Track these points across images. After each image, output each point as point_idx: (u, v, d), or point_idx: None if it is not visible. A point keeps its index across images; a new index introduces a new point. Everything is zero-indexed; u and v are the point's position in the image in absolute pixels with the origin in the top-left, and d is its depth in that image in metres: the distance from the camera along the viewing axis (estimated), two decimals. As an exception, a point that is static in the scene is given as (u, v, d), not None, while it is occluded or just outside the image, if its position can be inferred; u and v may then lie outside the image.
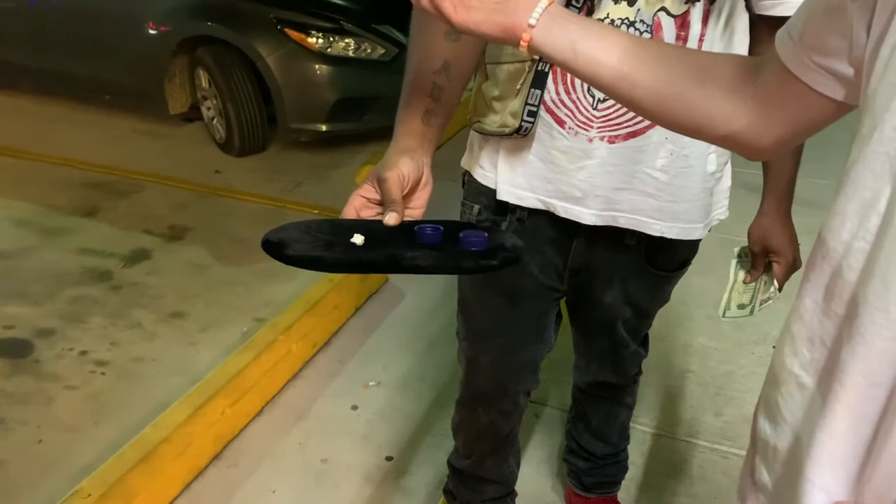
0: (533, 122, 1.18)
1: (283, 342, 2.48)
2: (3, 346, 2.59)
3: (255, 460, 2.17)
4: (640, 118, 1.15)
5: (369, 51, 4.07)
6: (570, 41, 0.77)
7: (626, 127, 1.17)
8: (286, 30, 4.03)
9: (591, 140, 1.19)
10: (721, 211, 1.38)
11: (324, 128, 4.09)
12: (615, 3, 1.09)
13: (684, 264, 1.43)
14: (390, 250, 0.88)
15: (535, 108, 1.17)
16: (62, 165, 4.08)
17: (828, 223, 0.63)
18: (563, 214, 1.27)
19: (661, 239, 1.28)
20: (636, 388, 1.82)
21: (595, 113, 1.17)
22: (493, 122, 1.22)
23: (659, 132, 1.17)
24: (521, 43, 0.77)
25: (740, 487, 0.79)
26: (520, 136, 1.20)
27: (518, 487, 1.84)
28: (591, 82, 0.80)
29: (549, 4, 0.77)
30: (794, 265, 1.43)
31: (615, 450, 1.89)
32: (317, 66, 4.04)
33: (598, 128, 1.17)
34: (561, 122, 1.19)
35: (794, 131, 0.75)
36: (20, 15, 4.66)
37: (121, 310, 2.82)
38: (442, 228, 0.92)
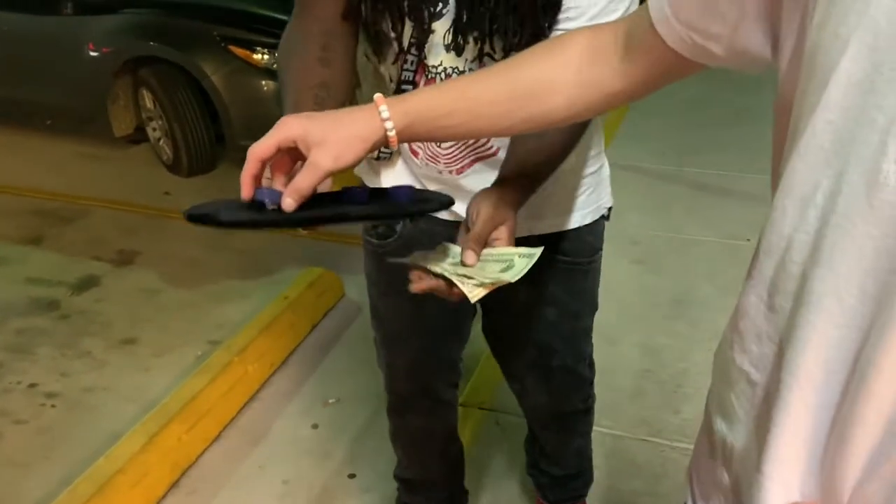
0: (390, 152, 1.28)
1: (239, 364, 2.44)
2: (-53, 384, 2.50)
3: (214, 486, 2.13)
4: (481, 148, 1.23)
5: (316, 65, 4.05)
6: (435, 117, 0.84)
7: (471, 156, 1.24)
8: (230, 47, 3.98)
9: (440, 172, 1.26)
10: (608, 198, 1.42)
11: (273, 144, 4.05)
12: (447, 52, 1.14)
13: (594, 252, 1.43)
14: (326, 209, 0.87)
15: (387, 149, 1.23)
16: (4, 193, 3.98)
17: (769, 220, 0.64)
18: (444, 217, 1.31)
19: None
20: (589, 418, 1.75)
21: (440, 150, 1.24)
22: None
23: (504, 151, 1.18)
24: (391, 142, 0.84)
25: (699, 486, 0.79)
26: (381, 161, 1.29)
27: (485, 496, 1.84)
28: (473, 130, 0.88)
29: (382, 104, 0.82)
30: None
31: (576, 470, 1.85)
32: (263, 82, 4.00)
33: (445, 163, 1.25)
34: (414, 153, 1.28)
35: (663, 81, 0.82)
36: (-47, 41, 4.54)
37: (70, 339, 2.76)
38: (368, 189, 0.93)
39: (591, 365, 1.63)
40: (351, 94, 1.19)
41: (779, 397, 0.62)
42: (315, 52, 1.13)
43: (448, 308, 1.45)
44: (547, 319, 1.46)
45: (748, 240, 3.34)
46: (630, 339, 2.75)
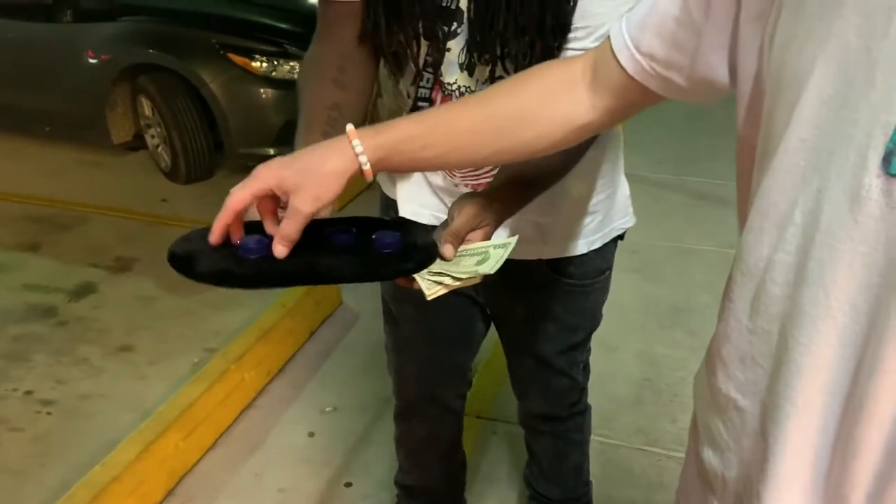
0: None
1: (236, 371, 2.44)
2: (-57, 390, 2.49)
3: (210, 494, 2.12)
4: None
5: (314, 73, 4.06)
6: (410, 151, 0.85)
7: (487, 176, 1.24)
8: (229, 55, 3.99)
9: (457, 185, 1.27)
10: (624, 221, 1.40)
11: (271, 151, 4.04)
12: (461, 71, 1.14)
13: (599, 274, 1.43)
14: (303, 257, 0.86)
15: None
16: (2, 199, 3.97)
17: (744, 241, 0.63)
18: None
19: None
20: (584, 424, 1.74)
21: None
22: None
23: None
24: (366, 175, 0.85)
25: None
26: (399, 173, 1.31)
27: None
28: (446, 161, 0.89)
29: (354, 138, 0.83)
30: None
31: (574, 495, 1.82)
32: (262, 90, 4.01)
33: (461, 177, 1.26)
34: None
35: (630, 111, 0.83)
36: (-46, 48, 4.54)
37: (67, 346, 2.75)
38: (354, 230, 0.92)
39: (586, 369, 1.63)
40: (364, 115, 1.20)
41: (775, 423, 0.60)
42: (332, 73, 1.14)
43: (456, 317, 1.46)
44: (545, 332, 1.47)
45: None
46: (628, 348, 2.74)
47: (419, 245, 0.93)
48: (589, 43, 1.04)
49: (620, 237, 1.42)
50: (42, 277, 3.22)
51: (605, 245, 1.38)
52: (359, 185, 4.22)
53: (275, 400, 2.52)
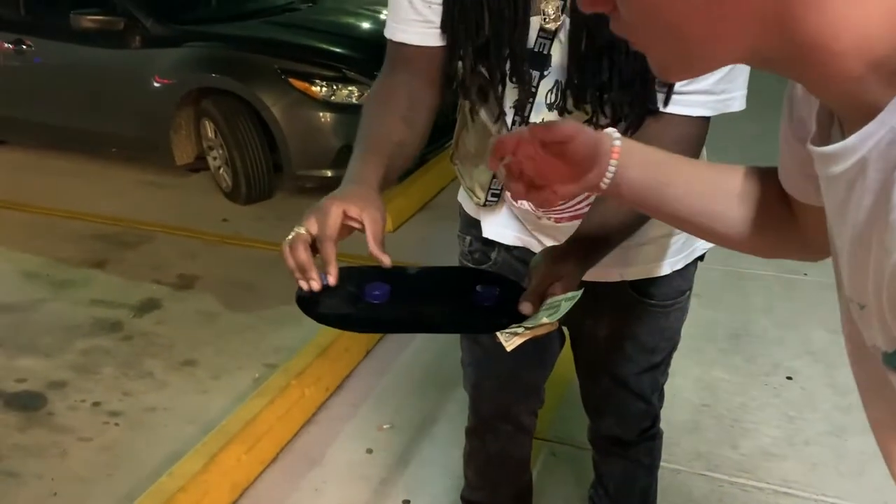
0: (498, 198, 1.33)
1: (296, 387, 2.48)
2: (17, 400, 2.59)
3: (271, 507, 2.16)
4: (581, 205, 1.25)
5: (372, 97, 4.13)
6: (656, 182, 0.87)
7: (570, 211, 1.27)
8: (290, 79, 4.09)
9: (539, 217, 1.31)
10: (703, 244, 1.41)
11: (329, 173, 4.12)
12: (549, 111, 1.17)
13: (679, 294, 1.43)
14: (413, 307, 0.99)
15: (497, 191, 1.31)
16: (70, 218, 4.12)
17: None
18: (538, 250, 1.34)
19: None
20: (654, 450, 1.73)
21: None
22: (465, 184, 1.38)
23: None
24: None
25: None
26: (488, 206, 1.34)
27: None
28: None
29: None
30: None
31: None
32: (321, 114, 4.09)
33: (544, 211, 1.29)
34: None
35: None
36: (26, 72, 4.74)
37: (132, 360, 2.83)
38: (492, 291, 1.02)
39: (662, 396, 1.62)
40: (423, 144, 1.24)
41: None
42: (401, 110, 1.18)
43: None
44: (624, 353, 1.48)
45: (805, 274, 3.29)
46: (687, 373, 2.71)
47: (512, 301, 1.01)
48: (707, 85, 1.06)
49: (701, 258, 1.43)
50: (108, 293, 3.33)
51: (687, 266, 1.39)
52: (416, 204, 4.26)
53: (333, 416, 2.55)
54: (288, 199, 4.41)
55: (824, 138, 0.57)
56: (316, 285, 0.96)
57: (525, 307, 0.99)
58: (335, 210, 0.98)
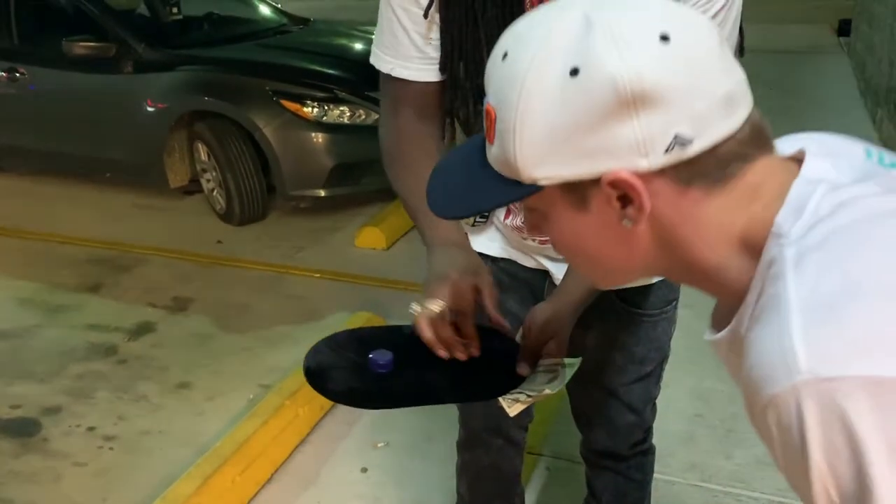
0: (486, 219, 1.37)
1: (290, 407, 2.48)
2: (11, 426, 2.59)
3: (266, 528, 2.16)
4: None
5: (364, 117, 4.16)
6: None
7: None
8: (282, 101, 4.12)
9: (524, 238, 1.33)
10: None
11: (322, 193, 4.15)
12: None
13: (666, 304, 1.44)
14: (418, 376, 1.04)
15: (485, 213, 1.35)
16: (64, 243, 4.13)
17: None
18: (524, 263, 1.39)
19: None
20: (646, 465, 1.73)
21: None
22: None
23: None
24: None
25: None
26: (477, 226, 1.38)
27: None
28: None
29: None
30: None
31: None
32: (313, 135, 4.12)
33: (528, 233, 1.30)
34: (506, 213, 1.34)
35: None
36: (21, 99, 4.77)
37: (127, 383, 2.83)
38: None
39: (654, 409, 1.62)
40: None
41: None
42: (430, 151, 1.23)
43: None
44: (614, 364, 1.49)
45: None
46: (680, 384, 2.71)
47: (508, 356, 1.06)
48: None
49: None
50: (103, 317, 3.34)
51: None
52: (409, 222, 4.27)
53: (327, 435, 2.55)
54: (282, 220, 4.43)
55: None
56: (462, 356, 1.03)
57: (522, 368, 1.04)
58: (468, 288, 1.06)
